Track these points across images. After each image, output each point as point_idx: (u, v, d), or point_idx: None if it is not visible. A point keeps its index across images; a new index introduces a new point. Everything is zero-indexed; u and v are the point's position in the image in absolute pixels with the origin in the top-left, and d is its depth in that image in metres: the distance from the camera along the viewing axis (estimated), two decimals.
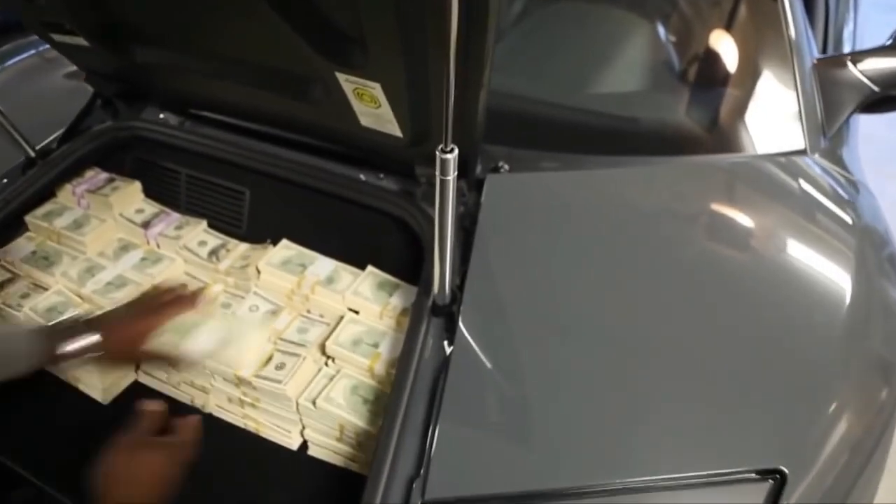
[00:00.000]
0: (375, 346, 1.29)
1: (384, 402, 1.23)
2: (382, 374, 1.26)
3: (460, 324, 1.12)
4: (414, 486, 1.00)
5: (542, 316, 1.14)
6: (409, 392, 1.08)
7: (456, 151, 0.85)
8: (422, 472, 1.01)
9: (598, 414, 1.03)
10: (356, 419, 1.22)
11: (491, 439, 1.03)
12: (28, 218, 1.59)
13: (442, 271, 1.06)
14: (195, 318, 1.14)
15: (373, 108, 1.14)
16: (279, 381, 1.27)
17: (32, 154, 1.57)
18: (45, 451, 1.35)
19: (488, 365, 1.09)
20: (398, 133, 1.14)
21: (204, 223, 1.58)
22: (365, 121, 1.20)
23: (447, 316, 1.16)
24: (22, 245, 1.58)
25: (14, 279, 1.53)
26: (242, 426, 1.39)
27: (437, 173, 0.88)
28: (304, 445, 1.35)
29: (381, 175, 1.40)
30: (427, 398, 1.09)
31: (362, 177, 1.41)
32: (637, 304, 1.14)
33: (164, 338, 1.10)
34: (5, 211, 1.54)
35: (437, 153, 0.85)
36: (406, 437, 1.05)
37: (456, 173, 0.88)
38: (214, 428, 1.40)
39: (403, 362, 1.11)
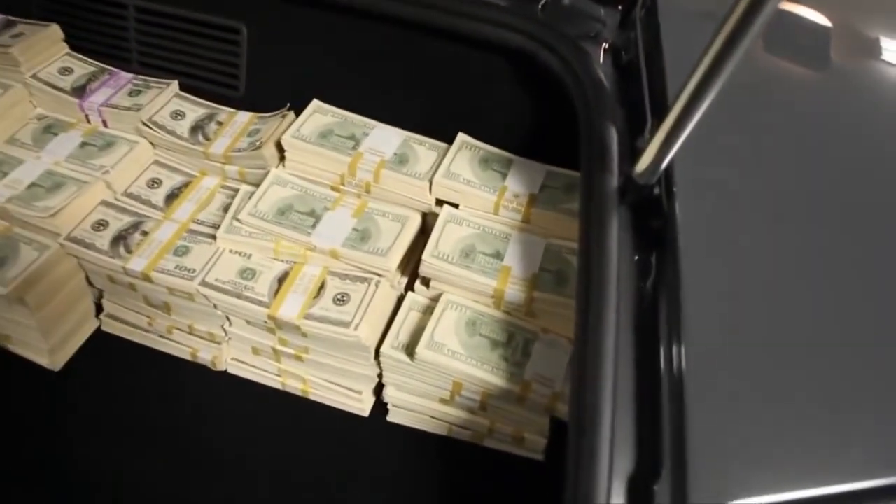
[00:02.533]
0: (497, 256, 0.82)
1: (520, 343, 0.79)
2: (519, 299, 0.80)
3: (679, 218, 0.67)
4: (656, 488, 0.59)
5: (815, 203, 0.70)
6: (614, 340, 0.63)
7: None
8: (664, 468, 0.59)
9: None
10: (482, 372, 0.77)
11: (779, 415, 0.61)
12: None
13: (672, 132, 0.59)
14: None
15: None
16: (346, 324, 0.80)
17: None
18: None
19: (746, 290, 0.66)
20: None
21: (174, 84, 1.02)
22: None
23: (649, 204, 0.70)
24: None
25: None
26: (279, 387, 0.93)
27: None
28: (381, 408, 0.90)
29: None
30: (636, 348, 0.65)
31: None
32: None
33: None
34: None
35: None
36: (620, 415, 0.62)
37: None
38: (234, 392, 0.94)
39: (593, 287, 0.65)
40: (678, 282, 0.64)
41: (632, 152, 0.73)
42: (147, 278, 0.87)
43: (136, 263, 0.87)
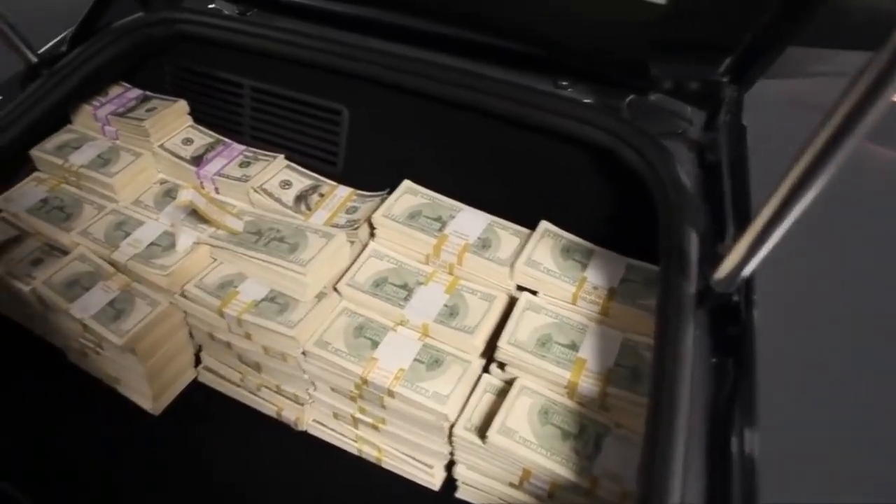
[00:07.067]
0: (573, 347, 0.84)
1: (592, 436, 0.79)
2: (593, 393, 0.81)
3: (759, 327, 0.66)
4: None
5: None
6: (685, 439, 0.63)
7: None
8: None
9: None
10: (552, 463, 0.78)
11: None
12: (35, 152, 1.14)
13: (755, 242, 0.59)
14: None
15: None
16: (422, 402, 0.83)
17: (34, 59, 1.09)
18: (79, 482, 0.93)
19: (823, 398, 0.64)
20: None
21: (280, 158, 1.11)
22: None
23: (726, 311, 0.70)
24: (29, 190, 1.13)
25: (21, 238, 1.09)
26: (355, 452, 0.97)
27: None
28: (450, 483, 0.92)
29: (565, 81, 0.91)
30: (707, 449, 0.65)
31: (534, 84, 0.92)
32: None
33: None
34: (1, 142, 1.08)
35: None
36: None
37: None
38: (313, 452, 0.99)
39: (667, 388, 0.65)
40: (754, 395, 0.64)
41: (712, 256, 0.73)
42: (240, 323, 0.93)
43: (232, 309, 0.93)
